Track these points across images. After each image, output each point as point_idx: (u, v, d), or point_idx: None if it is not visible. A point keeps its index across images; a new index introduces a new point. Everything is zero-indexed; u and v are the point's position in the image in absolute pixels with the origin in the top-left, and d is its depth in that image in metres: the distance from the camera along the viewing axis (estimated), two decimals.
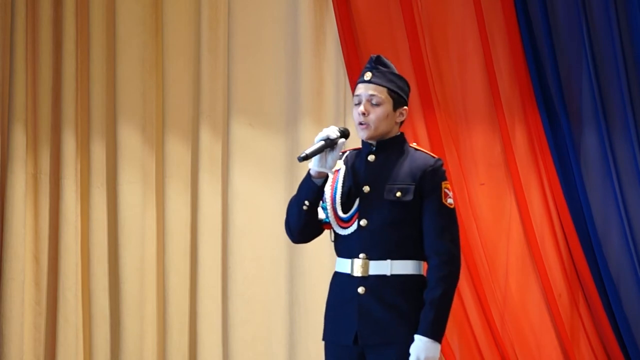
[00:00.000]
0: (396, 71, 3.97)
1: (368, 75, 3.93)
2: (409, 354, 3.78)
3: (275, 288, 6.08)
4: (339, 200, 3.92)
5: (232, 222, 6.09)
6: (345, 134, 3.88)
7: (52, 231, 6.12)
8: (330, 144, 3.84)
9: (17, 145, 6.08)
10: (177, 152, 6.15)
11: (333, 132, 3.85)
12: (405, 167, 3.90)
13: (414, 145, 3.99)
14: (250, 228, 6.09)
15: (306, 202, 3.89)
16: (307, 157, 3.82)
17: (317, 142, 3.84)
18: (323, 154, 3.84)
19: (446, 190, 3.89)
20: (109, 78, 6.13)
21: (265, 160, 6.10)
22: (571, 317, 5.73)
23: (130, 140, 6.12)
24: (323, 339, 3.98)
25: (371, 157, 3.93)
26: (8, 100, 6.10)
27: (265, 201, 6.09)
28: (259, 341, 6.08)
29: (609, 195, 5.69)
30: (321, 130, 3.88)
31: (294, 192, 6.03)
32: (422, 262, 3.91)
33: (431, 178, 3.87)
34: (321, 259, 5.89)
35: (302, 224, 3.93)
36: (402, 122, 3.96)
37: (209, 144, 6.10)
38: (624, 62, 5.62)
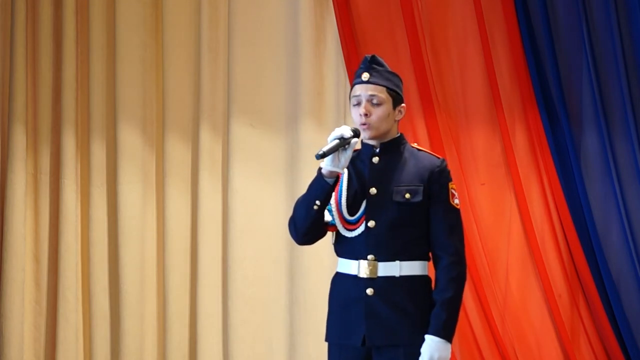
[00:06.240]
0: (390, 69, 3.97)
1: (366, 76, 3.91)
2: (416, 355, 3.79)
3: (275, 288, 6.08)
4: (345, 203, 3.91)
5: (232, 222, 6.09)
6: (357, 133, 3.87)
7: (52, 231, 6.12)
8: (344, 143, 3.82)
9: (17, 145, 6.08)
10: (177, 152, 6.15)
11: (347, 131, 3.83)
12: (411, 168, 3.90)
13: (415, 145, 4.00)
14: (250, 228, 6.09)
15: (317, 202, 3.85)
16: (324, 155, 3.79)
17: (331, 140, 3.82)
18: (336, 153, 3.82)
19: (453, 190, 3.92)
20: (109, 78, 6.13)
21: (265, 160, 6.10)
22: (571, 317, 5.73)
23: (130, 140, 6.11)
24: (326, 340, 3.97)
25: (375, 159, 3.93)
26: (8, 100, 6.10)
27: (265, 201, 6.08)
28: (259, 341, 6.08)
29: (609, 195, 5.69)
30: (333, 130, 3.86)
31: (294, 191, 6.04)
32: (427, 263, 3.91)
33: (439, 179, 3.89)
34: (321, 259, 5.89)
35: (309, 225, 3.89)
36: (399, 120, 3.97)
37: (209, 143, 6.10)
38: (624, 62, 5.62)
